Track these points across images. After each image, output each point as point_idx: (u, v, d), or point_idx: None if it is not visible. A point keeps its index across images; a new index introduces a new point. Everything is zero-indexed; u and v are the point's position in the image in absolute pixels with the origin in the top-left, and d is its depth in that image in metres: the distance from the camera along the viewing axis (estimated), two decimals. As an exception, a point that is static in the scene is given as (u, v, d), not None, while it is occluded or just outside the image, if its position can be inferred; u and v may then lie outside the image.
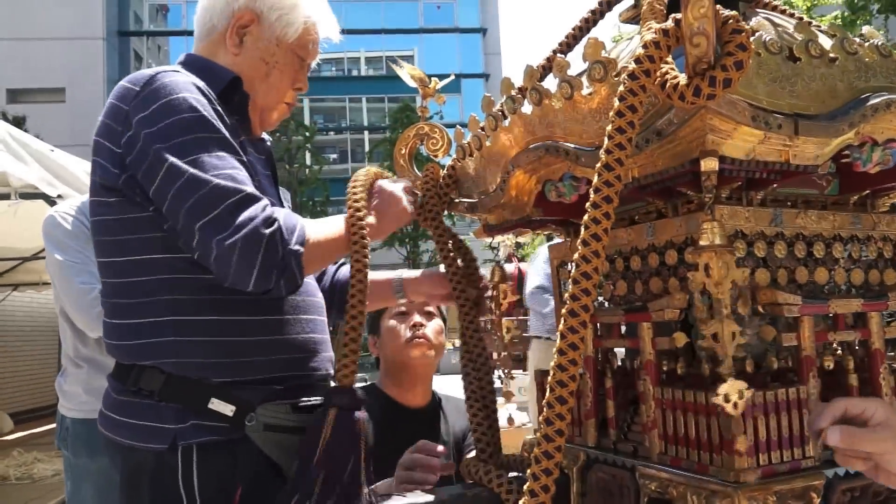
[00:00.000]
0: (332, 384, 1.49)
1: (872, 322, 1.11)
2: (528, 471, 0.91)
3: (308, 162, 25.10)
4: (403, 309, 2.06)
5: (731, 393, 0.86)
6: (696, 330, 1.09)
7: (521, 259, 7.17)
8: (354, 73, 33.50)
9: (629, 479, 1.11)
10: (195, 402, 1.27)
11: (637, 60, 0.91)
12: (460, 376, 1.50)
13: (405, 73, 1.63)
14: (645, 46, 0.91)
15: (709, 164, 0.93)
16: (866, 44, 1.08)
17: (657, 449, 1.08)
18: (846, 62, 1.04)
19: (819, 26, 1.25)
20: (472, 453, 1.48)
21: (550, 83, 1.16)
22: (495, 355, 1.55)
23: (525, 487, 0.90)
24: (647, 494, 1.06)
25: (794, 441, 1.00)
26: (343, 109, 33.01)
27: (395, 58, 1.89)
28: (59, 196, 3.81)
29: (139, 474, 1.29)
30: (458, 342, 1.55)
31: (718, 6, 0.86)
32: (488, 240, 1.57)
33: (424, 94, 1.62)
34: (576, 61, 1.16)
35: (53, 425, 2.44)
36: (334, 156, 31.84)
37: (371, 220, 1.41)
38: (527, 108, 1.19)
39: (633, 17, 1.33)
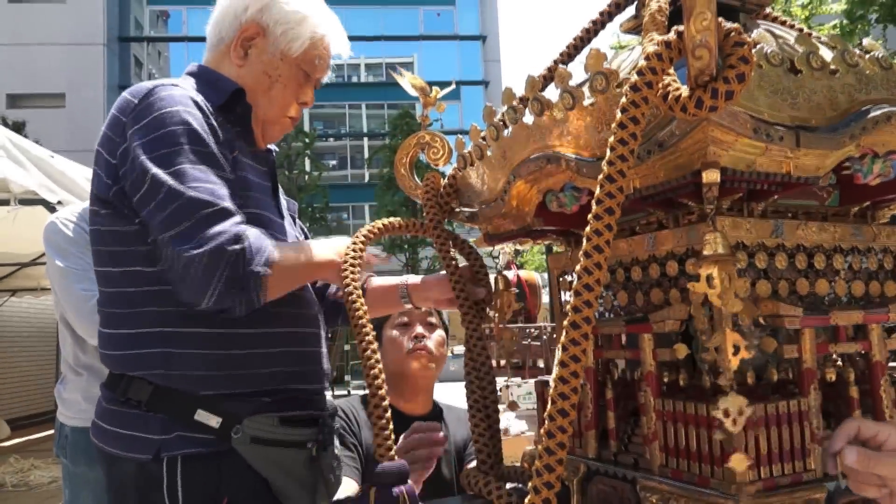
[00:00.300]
0: (328, 399, 1.49)
1: (873, 334, 1.10)
2: (530, 483, 0.90)
3: (307, 168, 25.16)
4: (406, 320, 2.06)
5: (732, 408, 0.86)
6: (696, 341, 1.09)
7: (521, 266, 7.18)
8: (354, 79, 33.59)
9: (630, 492, 1.11)
10: (181, 413, 1.26)
11: (639, 72, 0.91)
12: (461, 384, 1.49)
13: (406, 81, 1.63)
14: (647, 58, 0.91)
15: (710, 176, 0.93)
16: (867, 56, 1.08)
17: (658, 461, 1.08)
18: (847, 74, 1.04)
19: (819, 38, 1.25)
20: (473, 463, 1.47)
21: (552, 93, 1.16)
22: (495, 363, 1.55)
23: (526, 501, 0.90)
24: (648, 506, 1.06)
25: (795, 454, 1.00)
26: (342, 116, 33.08)
27: (396, 65, 1.89)
28: (59, 202, 3.81)
29: (125, 485, 1.28)
30: (457, 349, 1.55)
31: (720, 18, 0.86)
32: (488, 248, 1.57)
33: (425, 103, 1.62)
34: (577, 71, 1.16)
35: (51, 432, 2.43)
36: (333, 162, 31.91)
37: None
38: (528, 117, 1.20)
39: (635, 28, 1.33)
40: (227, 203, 1.24)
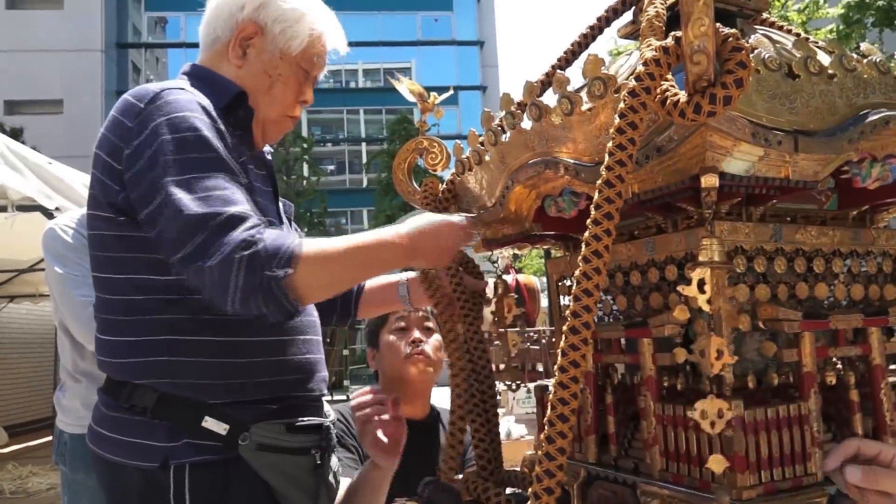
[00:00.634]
0: (326, 405, 1.48)
1: (873, 337, 1.11)
2: (530, 489, 0.90)
3: (305, 173, 25.12)
4: (403, 324, 2.06)
5: (709, 410, 0.86)
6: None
7: (519, 270, 7.17)
8: (352, 84, 33.60)
9: (630, 496, 1.10)
10: (188, 420, 1.24)
11: (637, 77, 0.91)
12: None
13: (404, 87, 1.63)
14: (645, 64, 0.91)
15: (709, 181, 0.93)
16: (864, 60, 1.08)
17: (658, 465, 1.07)
18: (845, 79, 1.04)
19: (817, 42, 1.25)
20: (473, 467, 1.47)
21: (550, 98, 1.16)
22: (494, 367, 1.55)
23: (526, 505, 0.90)
24: (649, 511, 1.06)
25: (795, 458, 1.00)
26: (341, 121, 33.08)
27: (393, 71, 1.89)
28: (57, 208, 3.81)
29: (128, 493, 1.27)
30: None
31: (718, 24, 0.86)
32: (487, 253, 1.57)
33: (423, 108, 1.62)
34: (575, 76, 1.16)
35: (48, 439, 2.43)
36: (332, 167, 31.89)
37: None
38: (526, 123, 1.20)
39: (632, 33, 1.33)
40: (239, 208, 1.18)
